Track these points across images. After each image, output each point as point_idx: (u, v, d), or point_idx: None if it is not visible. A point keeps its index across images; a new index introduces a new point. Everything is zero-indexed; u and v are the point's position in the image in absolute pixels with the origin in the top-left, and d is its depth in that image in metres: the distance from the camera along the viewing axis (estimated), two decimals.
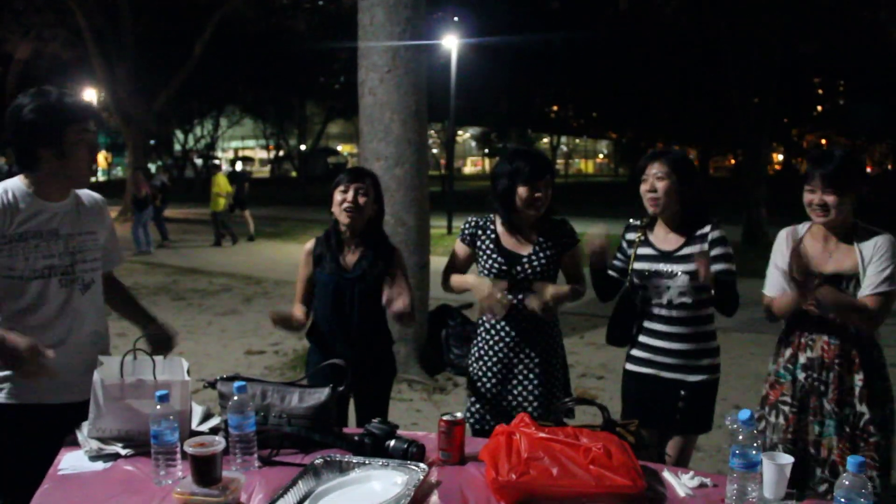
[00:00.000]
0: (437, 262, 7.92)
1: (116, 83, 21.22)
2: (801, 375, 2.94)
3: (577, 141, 76.89)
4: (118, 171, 51.65)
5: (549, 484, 2.03)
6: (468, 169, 77.05)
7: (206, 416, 2.59)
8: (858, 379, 2.85)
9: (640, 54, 30.73)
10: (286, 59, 29.85)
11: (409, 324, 3.27)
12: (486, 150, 68.82)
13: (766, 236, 14.90)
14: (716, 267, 2.96)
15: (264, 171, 64.24)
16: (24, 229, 2.49)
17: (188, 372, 2.46)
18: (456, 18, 19.91)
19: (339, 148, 66.72)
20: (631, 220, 3.28)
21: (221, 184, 16.16)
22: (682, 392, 3.08)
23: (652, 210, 3.09)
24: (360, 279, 3.20)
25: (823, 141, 52.80)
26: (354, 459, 2.22)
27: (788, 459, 1.99)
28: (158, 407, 2.12)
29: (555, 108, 50.99)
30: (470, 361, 3.37)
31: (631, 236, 3.22)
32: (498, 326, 3.24)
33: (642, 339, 3.18)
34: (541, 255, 3.16)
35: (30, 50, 21.47)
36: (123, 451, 2.29)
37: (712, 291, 2.99)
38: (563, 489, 2.03)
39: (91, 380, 2.36)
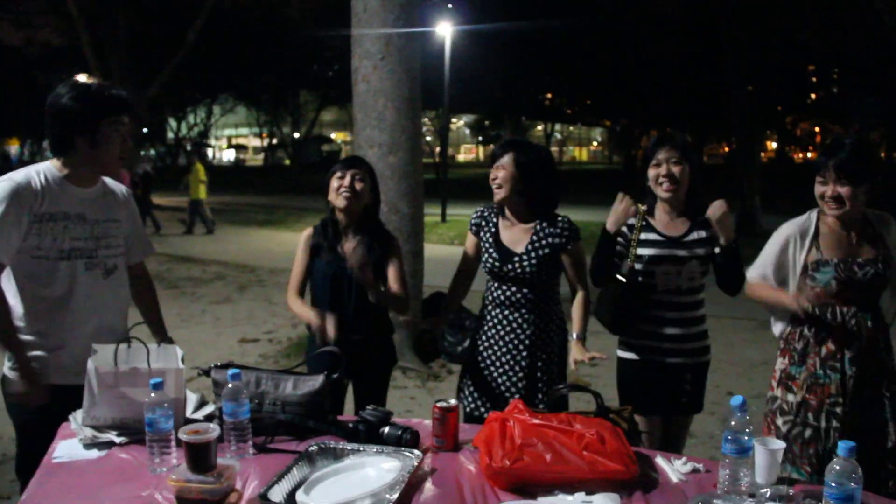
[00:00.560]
0: (431, 250, 7.97)
1: (108, 71, 21.08)
2: (850, 370, 2.81)
3: (572, 129, 76.82)
4: None
5: (542, 470, 2.04)
6: (462, 156, 77.03)
7: (201, 404, 2.60)
8: (891, 358, 2.85)
9: (635, 42, 30.70)
10: (280, 47, 29.76)
11: (397, 307, 3.28)
12: (480, 138, 68.87)
13: (759, 224, 14.93)
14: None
15: (258, 160, 64.12)
16: (53, 210, 2.59)
17: (182, 360, 2.46)
18: (450, 5, 19.82)
19: (333, 136, 66.60)
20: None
21: (201, 171, 16.32)
22: (689, 375, 3.13)
23: (667, 194, 3.03)
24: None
25: (817, 129, 52.91)
26: (349, 446, 2.22)
27: (780, 445, 2.00)
28: (153, 395, 2.12)
29: (549, 95, 50.91)
30: (468, 349, 3.31)
31: (631, 221, 3.13)
32: (501, 317, 3.22)
33: (645, 326, 3.12)
34: (532, 254, 3.09)
35: (22, 37, 21.34)
36: (118, 440, 2.30)
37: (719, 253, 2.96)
38: (557, 475, 2.04)
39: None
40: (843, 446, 1.74)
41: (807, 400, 2.86)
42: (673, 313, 3.09)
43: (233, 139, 71.84)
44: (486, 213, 3.29)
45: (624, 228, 3.13)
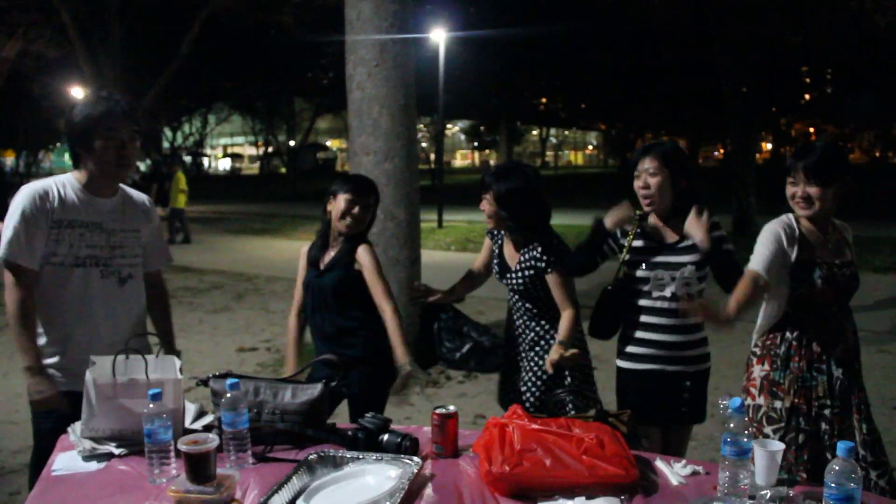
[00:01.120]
0: (428, 257, 7.96)
1: (104, 81, 21.08)
2: (837, 371, 2.82)
3: (567, 133, 77.01)
4: None
5: (542, 475, 2.04)
6: (458, 162, 77.10)
7: (200, 414, 2.59)
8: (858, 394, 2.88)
9: (629, 46, 30.77)
10: (274, 55, 29.74)
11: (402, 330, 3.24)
12: (476, 144, 69.00)
13: (755, 225, 14.94)
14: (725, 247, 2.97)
15: (254, 168, 64.12)
16: (70, 217, 2.68)
17: (180, 370, 2.46)
18: (444, 12, 19.85)
19: (329, 143, 66.66)
20: None
21: (181, 180, 16.46)
22: (687, 383, 3.12)
23: (647, 208, 3.07)
24: (328, 276, 3.23)
25: (812, 129, 53.06)
26: (348, 454, 2.22)
27: (779, 446, 2.00)
28: (151, 405, 2.12)
29: (543, 100, 51.00)
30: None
31: (627, 226, 3.14)
32: (510, 321, 3.47)
33: (642, 334, 3.10)
34: (520, 274, 3.25)
35: (17, 48, 21.32)
36: (117, 451, 2.29)
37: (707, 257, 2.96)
38: (557, 480, 2.04)
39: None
40: (842, 447, 1.74)
41: (796, 405, 2.82)
42: (669, 320, 3.07)
43: (228, 148, 71.90)
44: None
45: (617, 232, 3.15)
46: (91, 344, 2.67)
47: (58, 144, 44.31)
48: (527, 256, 3.22)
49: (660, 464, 2.22)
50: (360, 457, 2.21)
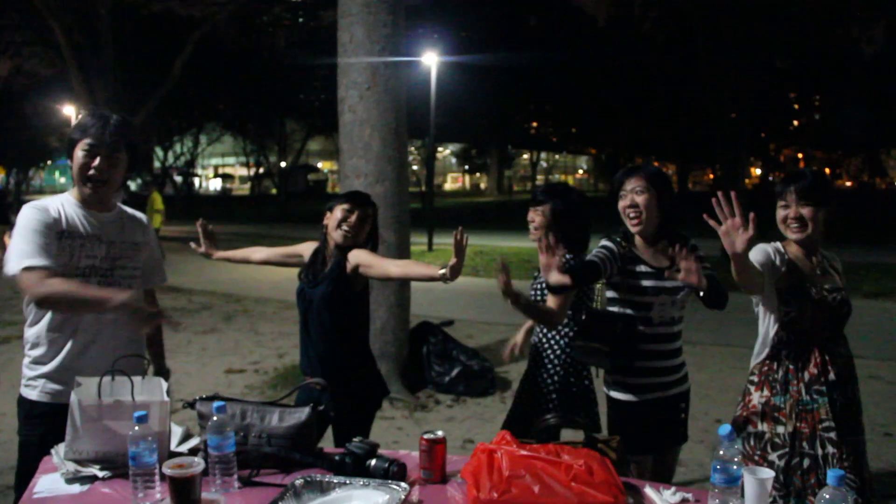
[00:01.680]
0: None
1: (95, 100, 21.10)
2: (835, 393, 2.81)
3: (557, 156, 77.39)
4: None
5: (531, 502, 2.03)
6: (448, 185, 77.30)
7: (186, 437, 2.57)
8: (854, 407, 2.90)
9: (619, 70, 31.04)
10: (266, 77, 29.88)
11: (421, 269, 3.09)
12: (467, 167, 69.25)
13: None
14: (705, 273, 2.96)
15: (244, 189, 64.11)
16: (72, 229, 2.70)
17: (167, 392, 2.44)
18: (435, 36, 20.00)
19: (320, 165, 66.80)
20: (606, 239, 3.10)
21: (157, 201, 16.59)
22: (682, 404, 3.15)
23: (635, 227, 3.01)
24: (319, 287, 3.21)
25: (800, 155, 53.51)
26: (335, 479, 2.20)
27: (769, 474, 1.99)
28: (137, 428, 2.10)
29: (534, 124, 51.32)
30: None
31: (605, 247, 3.07)
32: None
33: (645, 363, 3.04)
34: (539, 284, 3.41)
35: (9, 67, 21.35)
36: (101, 474, 2.26)
37: (701, 294, 2.87)
38: None
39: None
40: (831, 475, 1.74)
41: (799, 429, 2.80)
42: (666, 345, 3.07)
43: (219, 168, 71.93)
44: None
45: (614, 247, 3.05)
46: (90, 356, 2.68)
47: (49, 162, 44.29)
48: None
49: (649, 491, 2.21)
50: (348, 482, 2.19)
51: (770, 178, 53.01)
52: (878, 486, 3.76)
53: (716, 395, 6.25)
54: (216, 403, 2.25)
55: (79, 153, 2.69)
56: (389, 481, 2.19)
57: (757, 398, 2.91)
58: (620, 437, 2.51)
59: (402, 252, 6.36)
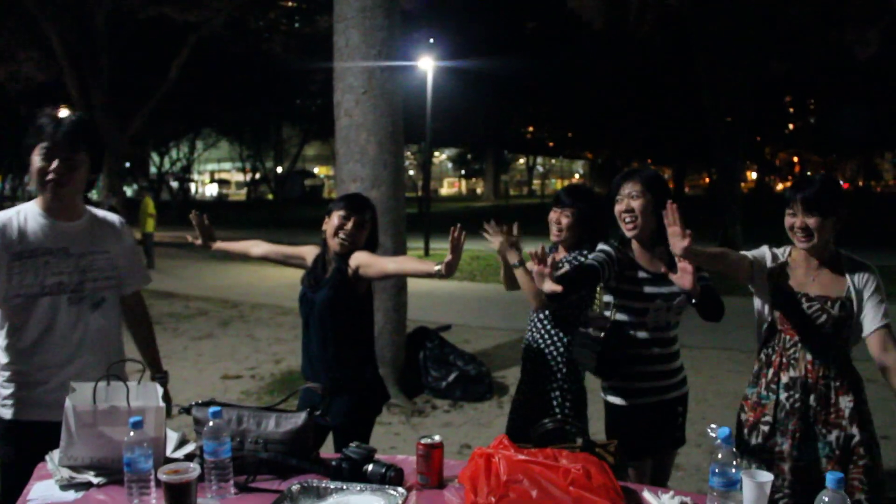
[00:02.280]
0: (414, 284, 7.96)
1: (92, 105, 21.09)
2: (782, 395, 2.84)
3: (554, 161, 77.46)
4: (93, 194, 51.20)
5: None
6: (445, 190, 77.34)
7: (181, 443, 2.55)
8: (849, 400, 2.81)
9: (615, 75, 31.08)
10: (262, 81, 29.87)
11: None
12: (463, 172, 69.28)
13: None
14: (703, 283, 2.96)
15: (241, 194, 64.09)
16: (34, 246, 2.60)
17: (162, 397, 2.43)
18: (431, 40, 20.02)
19: (316, 170, 66.83)
20: (604, 243, 3.12)
21: (149, 205, 16.67)
22: (680, 408, 3.16)
23: (630, 232, 3.01)
24: (321, 293, 3.18)
25: (795, 159, 53.65)
26: (332, 485, 2.19)
27: (768, 477, 1.98)
28: (132, 434, 2.08)
29: (530, 128, 51.37)
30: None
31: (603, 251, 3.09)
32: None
33: (641, 368, 3.06)
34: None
35: (4, 72, 21.34)
36: (95, 480, 2.25)
37: (693, 301, 2.89)
38: None
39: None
40: (831, 478, 1.74)
41: (748, 418, 2.94)
42: (664, 349, 3.08)
43: (215, 174, 71.86)
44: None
45: (612, 250, 3.06)
46: (58, 373, 2.62)
47: None
48: (571, 254, 3.37)
49: (647, 495, 2.20)
50: (344, 487, 2.18)
51: (766, 182, 53.16)
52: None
53: (713, 399, 6.25)
54: (212, 409, 2.23)
55: (35, 158, 2.58)
56: (386, 486, 2.18)
57: (747, 391, 3.03)
58: (619, 442, 2.51)
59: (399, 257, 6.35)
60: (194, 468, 2.00)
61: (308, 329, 3.26)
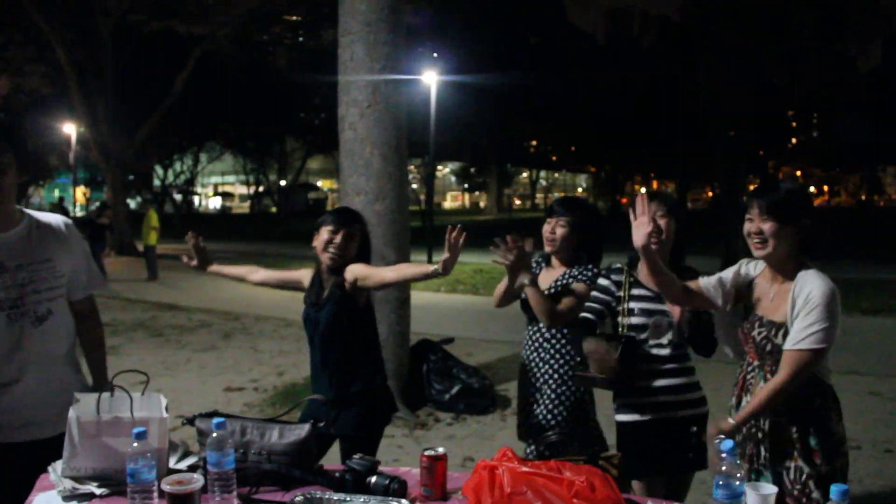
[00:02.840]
0: (417, 297, 7.97)
1: (96, 118, 21.20)
2: (733, 414, 2.74)
3: (556, 175, 77.57)
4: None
5: None
6: (448, 203, 77.44)
7: (185, 454, 2.55)
8: (794, 430, 2.58)
9: (618, 89, 31.19)
10: (267, 95, 30.02)
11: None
12: (466, 185, 69.38)
13: None
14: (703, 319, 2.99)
15: (244, 207, 64.21)
16: None
17: (166, 409, 2.42)
18: (435, 55, 20.13)
19: (319, 183, 66.97)
20: (611, 264, 3.20)
21: (153, 218, 16.62)
22: (694, 428, 3.09)
23: (653, 248, 2.89)
24: (324, 310, 3.19)
25: (799, 173, 53.68)
26: (335, 496, 2.19)
27: (772, 490, 1.97)
28: (136, 444, 2.08)
29: (533, 142, 51.48)
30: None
31: (617, 277, 3.13)
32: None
33: (647, 382, 3.05)
34: (552, 289, 3.29)
35: (9, 85, 21.47)
36: (98, 491, 2.24)
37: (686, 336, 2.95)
38: None
39: (62, 415, 2.30)
40: (835, 489, 1.73)
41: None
42: (670, 364, 3.07)
43: (219, 186, 72.04)
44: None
45: (609, 285, 3.13)
46: (3, 397, 2.48)
47: (48, 180, 44.37)
48: (577, 269, 3.30)
49: None
50: (348, 499, 2.17)
51: None
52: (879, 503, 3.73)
53: (717, 413, 6.20)
54: (216, 420, 2.23)
55: None
56: (390, 498, 2.17)
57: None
58: (627, 458, 2.49)
59: None
60: (198, 479, 2.00)
61: (314, 347, 3.26)
